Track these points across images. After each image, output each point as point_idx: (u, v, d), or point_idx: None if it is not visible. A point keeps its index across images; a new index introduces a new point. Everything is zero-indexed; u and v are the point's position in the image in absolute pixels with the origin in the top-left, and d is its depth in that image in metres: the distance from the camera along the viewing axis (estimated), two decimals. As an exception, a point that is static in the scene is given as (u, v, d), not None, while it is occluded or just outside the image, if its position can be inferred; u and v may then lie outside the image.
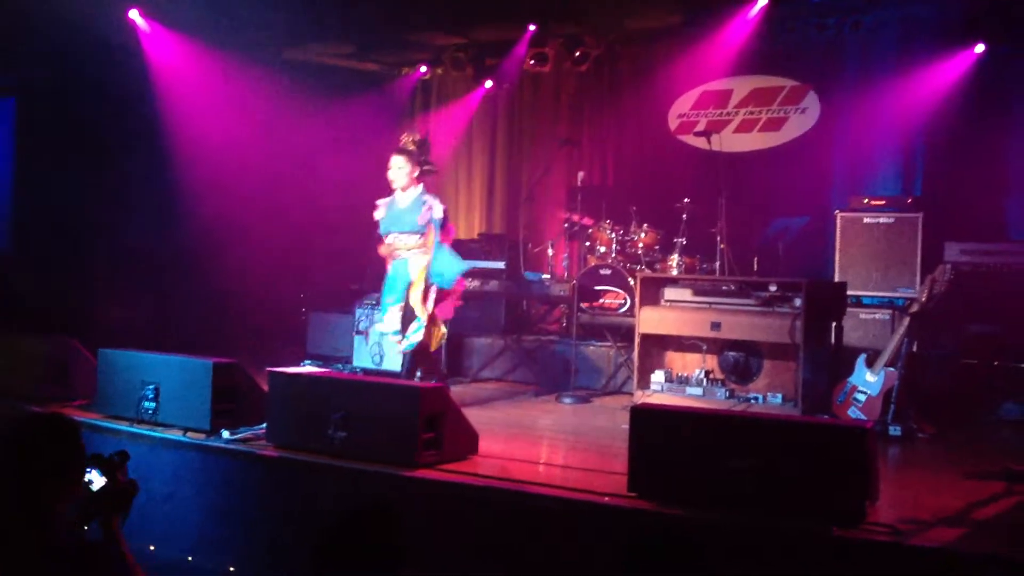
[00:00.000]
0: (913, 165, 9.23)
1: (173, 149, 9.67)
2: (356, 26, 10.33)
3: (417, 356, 7.15)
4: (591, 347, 8.71)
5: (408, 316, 7.08)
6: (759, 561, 4.23)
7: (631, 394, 7.70)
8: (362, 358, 9.04)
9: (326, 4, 9.38)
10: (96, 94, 9.28)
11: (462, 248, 10.01)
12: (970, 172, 8.74)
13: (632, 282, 8.39)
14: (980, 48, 8.80)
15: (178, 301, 9.64)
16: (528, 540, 4.76)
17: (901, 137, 9.27)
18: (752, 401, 7.20)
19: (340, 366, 9.02)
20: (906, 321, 6.72)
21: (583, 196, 9.59)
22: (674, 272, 8.60)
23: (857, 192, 8.98)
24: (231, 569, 5.48)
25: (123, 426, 6.05)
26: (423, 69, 11.88)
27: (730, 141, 9.87)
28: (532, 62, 11.05)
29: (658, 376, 7.58)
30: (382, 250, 7.27)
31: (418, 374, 7.19)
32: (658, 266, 8.94)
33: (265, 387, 5.97)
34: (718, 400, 7.24)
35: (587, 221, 9.48)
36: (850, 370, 6.80)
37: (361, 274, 9.94)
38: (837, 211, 8.54)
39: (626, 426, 4.91)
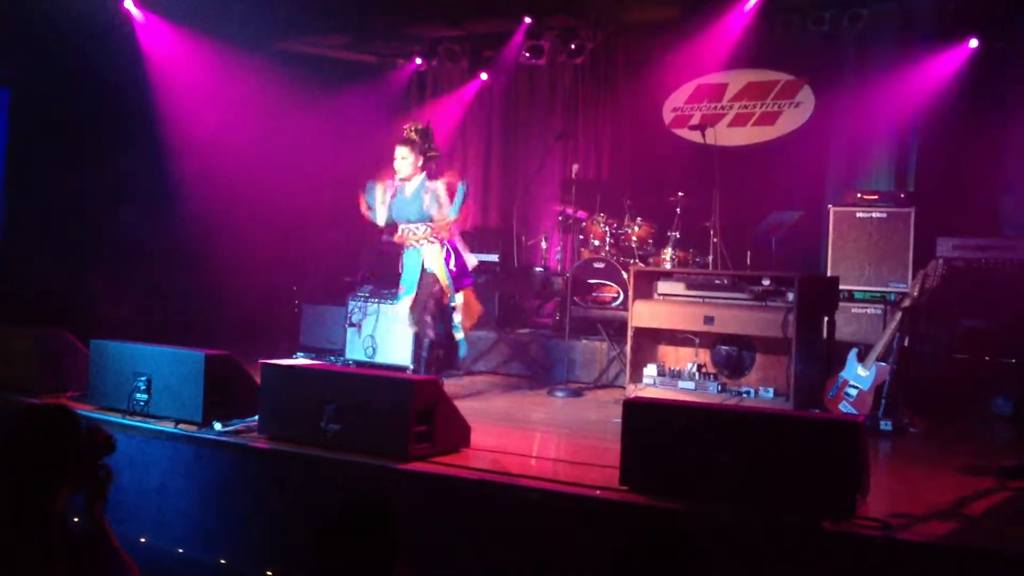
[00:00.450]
0: (906, 160, 9.25)
1: (167, 140, 9.65)
2: (351, 17, 10.31)
3: (434, 348, 7.17)
4: (584, 340, 8.72)
5: (423, 306, 7.08)
6: (750, 555, 4.24)
7: (623, 388, 7.71)
8: (355, 350, 9.05)
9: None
10: (90, 85, 9.25)
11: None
12: (963, 167, 8.76)
13: (625, 276, 8.39)
14: (974, 43, 8.81)
15: (171, 293, 9.62)
16: (520, 533, 4.76)
17: (895, 132, 9.29)
18: (744, 395, 7.21)
19: (333, 358, 9.02)
20: (898, 316, 6.73)
21: (577, 189, 9.59)
22: (667, 266, 8.61)
23: (850, 186, 9.01)
24: (222, 561, 5.48)
25: (115, 418, 6.03)
26: (418, 61, 11.86)
27: (724, 135, 9.87)
28: (527, 55, 11.05)
29: (651, 370, 7.58)
30: (396, 238, 7.29)
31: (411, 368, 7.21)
32: (651, 260, 8.94)
33: (258, 379, 5.96)
34: (710, 394, 7.25)
35: (581, 214, 9.48)
36: (842, 364, 6.82)
37: (354, 267, 9.94)
38: (830, 205, 8.57)
39: (618, 420, 4.91)
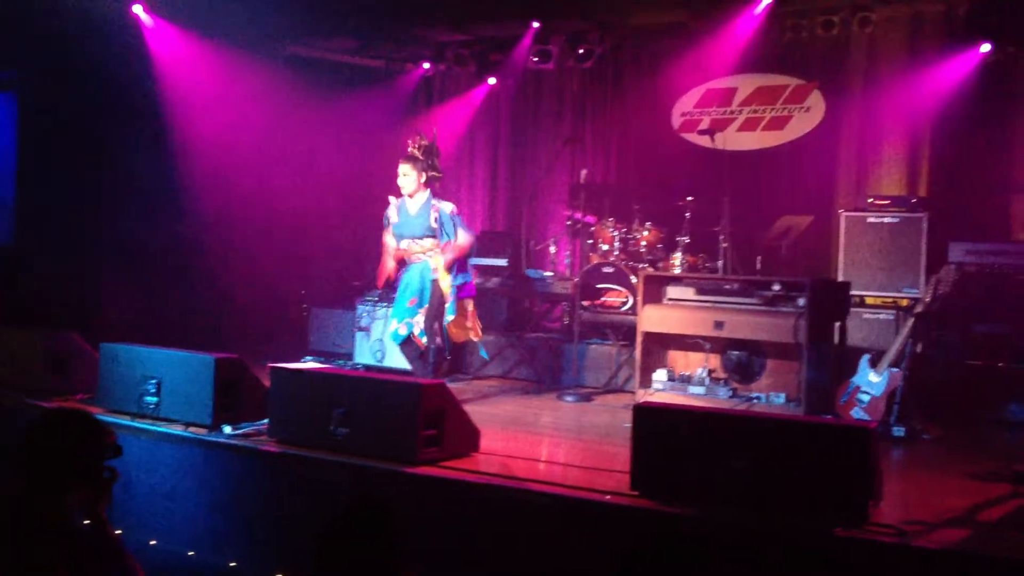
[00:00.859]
0: (918, 164, 9.20)
1: (175, 143, 9.65)
2: (359, 21, 10.31)
3: (440, 353, 7.19)
4: (593, 345, 8.69)
5: (434, 316, 7.11)
6: (761, 561, 4.21)
7: (633, 393, 7.68)
8: (363, 354, 9.03)
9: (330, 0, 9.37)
10: (99, 89, 9.26)
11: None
12: (976, 172, 8.73)
13: (635, 280, 8.37)
14: (986, 47, 8.76)
15: (179, 295, 9.63)
16: (529, 538, 4.74)
17: (906, 136, 9.24)
18: (755, 401, 7.18)
19: (342, 362, 9.01)
20: (910, 321, 6.70)
21: (586, 194, 9.55)
22: (677, 271, 8.59)
23: (861, 191, 8.99)
24: (232, 564, 5.47)
25: (125, 420, 6.02)
26: (426, 65, 11.85)
27: (734, 139, 9.84)
28: (535, 59, 11.02)
29: (660, 375, 7.55)
30: (397, 253, 7.30)
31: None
32: (661, 264, 8.91)
33: (267, 383, 5.96)
34: (721, 399, 7.22)
35: (590, 219, 9.45)
36: (853, 370, 6.77)
37: (363, 270, 9.93)
38: (841, 210, 8.53)
39: (628, 424, 4.89)
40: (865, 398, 6.63)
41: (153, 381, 6.11)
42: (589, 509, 4.65)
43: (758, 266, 8.91)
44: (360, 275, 9.91)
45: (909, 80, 9.05)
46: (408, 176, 7.15)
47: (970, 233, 8.09)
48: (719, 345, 7.48)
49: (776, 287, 7.16)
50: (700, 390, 7.34)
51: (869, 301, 8.13)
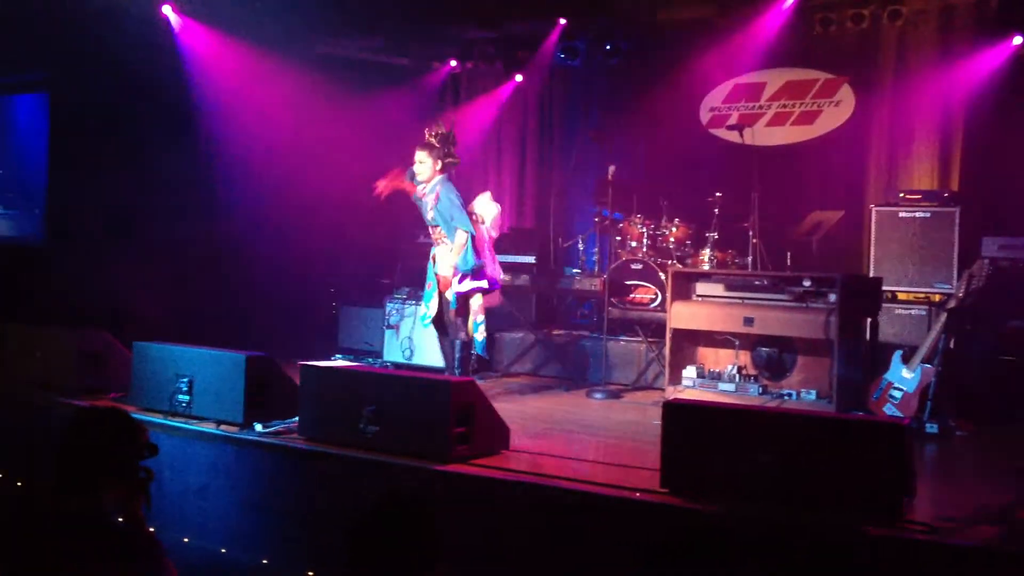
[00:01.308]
0: (950, 158, 9.10)
1: (205, 142, 9.72)
2: (387, 20, 10.33)
3: (466, 348, 7.19)
4: (622, 342, 8.67)
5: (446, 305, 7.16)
6: (793, 559, 4.19)
7: (662, 390, 7.66)
8: (393, 352, 9.06)
9: (358, -1, 9.40)
10: (129, 88, 9.33)
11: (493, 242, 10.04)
12: (1009, 165, 8.61)
13: (663, 277, 8.34)
14: (1018, 40, 8.66)
15: (209, 293, 9.69)
16: (559, 536, 4.74)
17: (937, 130, 9.15)
18: (786, 397, 7.14)
19: (371, 360, 9.04)
20: (943, 317, 6.64)
21: (614, 190, 9.52)
22: (706, 267, 8.55)
23: (892, 186, 8.91)
24: (264, 562, 5.50)
25: (157, 419, 6.07)
26: (453, 63, 11.86)
27: (763, 135, 9.79)
28: (562, 56, 11.01)
29: (690, 372, 7.53)
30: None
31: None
32: (689, 261, 8.88)
33: (297, 380, 5.99)
34: (751, 396, 7.18)
35: (618, 215, 9.44)
36: (886, 366, 6.72)
37: (392, 268, 9.96)
38: (872, 205, 8.46)
39: (658, 422, 4.88)
40: (898, 394, 6.58)
41: (185, 379, 6.17)
42: (619, 507, 4.64)
43: (788, 262, 8.86)
44: (389, 273, 9.94)
45: (940, 73, 8.96)
46: (423, 163, 7.18)
47: (1003, 227, 8.00)
48: (749, 342, 7.44)
49: (807, 283, 7.12)
50: (730, 387, 7.31)
51: (901, 296, 8.06)
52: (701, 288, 7.67)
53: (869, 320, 7.25)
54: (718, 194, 8.88)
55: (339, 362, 8.43)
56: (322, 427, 5.69)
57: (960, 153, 9.06)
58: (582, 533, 4.68)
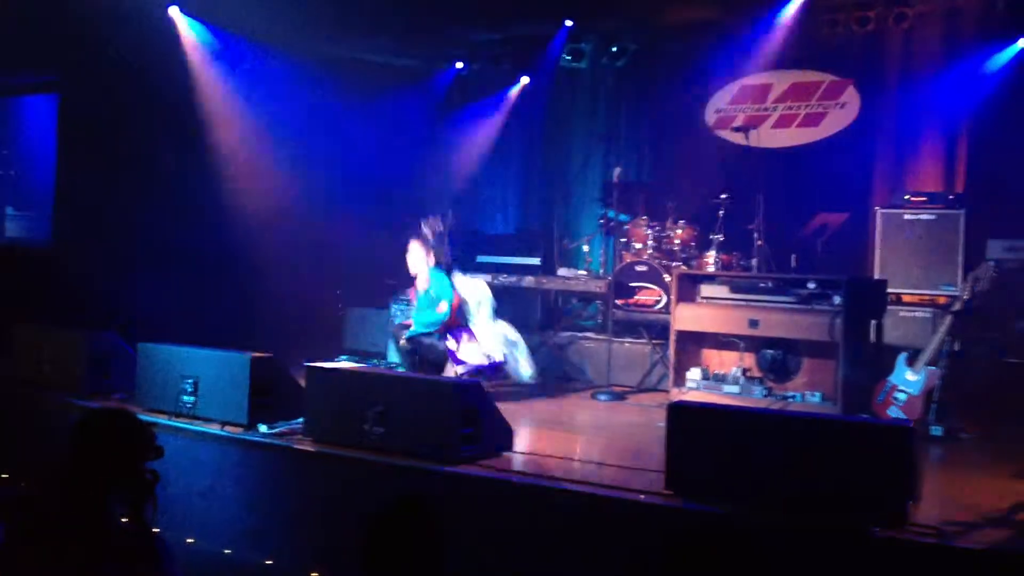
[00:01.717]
0: (955, 160, 9.08)
1: (212, 144, 9.73)
2: (394, 22, 10.34)
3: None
4: (627, 344, 8.68)
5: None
6: (798, 561, 4.19)
7: (667, 391, 7.66)
8: (398, 354, 9.05)
9: (366, 0, 9.39)
10: (137, 90, 9.35)
11: (498, 244, 10.07)
12: (1014, 167, 8.58)
13: (668, 279, 8.34)
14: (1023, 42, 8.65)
15: (214, 295, 9.70)
16: (564, 537, 4.74)
17: (943, 132, 9.13)
18: (790, 399, 7.13)
19: (376, 361, 9.04)
20: (948, 319, 6.63)
21: (619, 192, 9.55)
22: (711, 269, 8.55)
23: (898, 188, 8.88)
24: (269, 562, 5.51)
25: (162, 419, 6.08)
26: (460, 64, 11.87)
27: (768, 136, 9.78)
28: (569, 57, 11.02)
29: (694, 374, 7.53)
30: None
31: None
32: (695, 263, 8.88)
33: (302, 382, 5.99)
34: (755, 398, 7.18)
35: (623, 217, 9.44)
36: (890, 369, 6.71)
37: (397, 269, 9.96)
38: (877, 207, 8.44)
39: (662, 424, 4.88)
40: (902, 397, 6.57)
41: (190, 380, 6.18)
42: (624, 508, 4.64)
43: (793, 264, 8.85)
44: (394, 274, 9.94)
45: (946, 75, 8.94)
46: (415, 254, 7.58)
47: (1009, 230, 7.98)
48: (754, 344, 7.44)
49: (812, 285, 7.12)
50: (735, 389, 7.31)
51: (906, 299, 8.05)
52: (706, 290, 7.67)
53: (874, 322, 7.24)
54: (723, 196, 8.88)
55: (344, 363, 8.43)
56: (327, 428, 5.70)
57: (965, 155, 9.04)
58: (587, 534, 4.69)
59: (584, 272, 9.73)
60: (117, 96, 9.36)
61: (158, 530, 3.15)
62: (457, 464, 5.19)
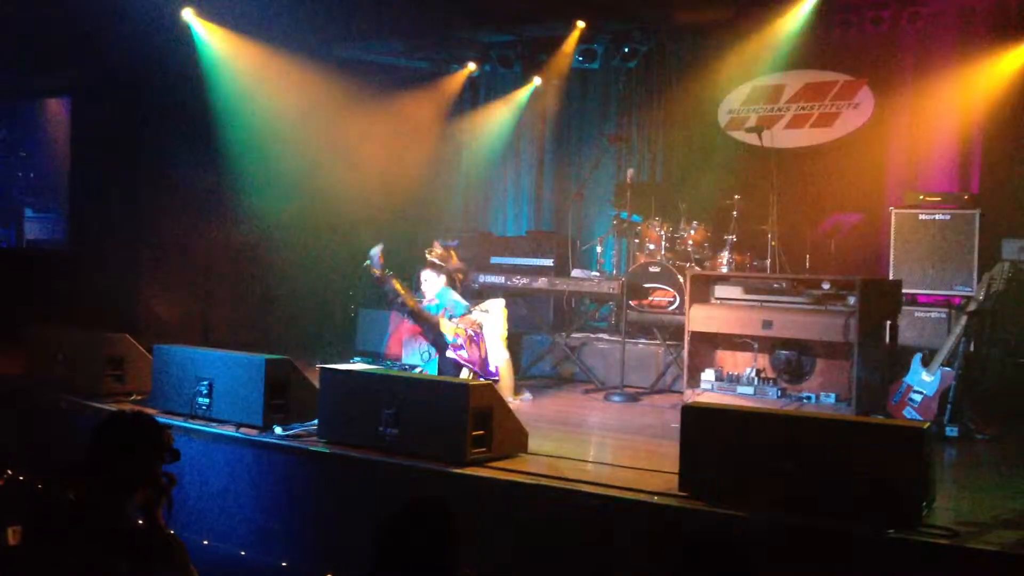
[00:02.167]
0: (970, 160, 9.05)
1: (225, 146, 9.76)
2: (406, 24, 10.37)
3: None
4: (640, 345, 8.67)
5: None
6: (812, 562, 4.18)
7: (681, 393, 7.65)
8: (411, 355, 9.06)
9: (377, 3, 9.42)
10: (149, 92, 9.40)
11: (511, 246, 10.07)
12: (1029, 167, 8.58)
13: (681, 280, 8.33)
14: (1039, 41, 8.62)
15: (228, 297, 9.75)
16: (578, 538, 4.74)
17: (957, 132, 9.10)
18: (805, 401, 7.12)
19: (389, 363, 9.06)
20: (963, 320, 6.61)
21: (632, 193, 9.54)
22: (724, 270, 8.54)
23: (912, 188, 8.85)
24: (283, 564, 5.53)
25: (178, 421, 6.11)
26: (472, 66, 11.89)
27: (781, 137, 9.76)
28: (580, 59, 11.02)
29: (708, 375, 7.51)
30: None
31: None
32: (708, 263, 8.87)
33: (316, 383, 6.01)
34: (770, 399, 7.16)
35: (636, 218, 9.43)
36: (905, 369, 6.70)
37: (410, 271, 9.98)
38: (892, 208, 8.42)
39: (676, 425, 4.88)
40: (917, 398, 6.55)
41: (205, 382, 6.20)
42: (637, 509, 4.64)
43: (807, 264, 8.84)
44: (407, 275, 9.95)
45: (960, 75, 8.91)
46: (428, 281, 7.55)
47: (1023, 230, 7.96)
48: (768, 345, 7.42)
49: (826, 286, 7.10)
50: (749, 390, 7.29)
51: (921, 299, 8.02)
52: (720, 291, 7.65)
53: (889, 323, 7.21)
54: (736, 197, 8.87)
55: (358, 365, 8.45)
56: (341, 430, 5.71)
57: (980, 155, 9.01)
58: (600, 536, 4.69)
59: (597, 273, 9.72)
60: (130, 99, 9.42)
61: (173, 531, 3.17)
62: (469, 466, 5.19)
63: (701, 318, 7.53)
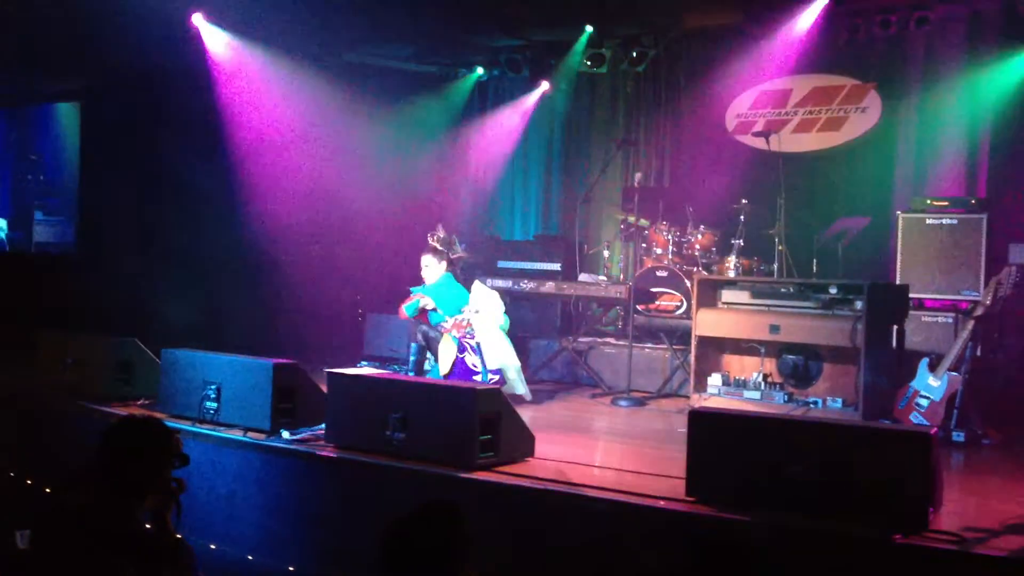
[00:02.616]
0: (977, 165, 9.05)
1: (234, 150, 9.81)
2: (415, 29, 10.40)
3: None
4: (647, 349, 8.67)
5: None
6: (818, 568, 4.18)
7: (687, 397, 7.66)
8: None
9: (386, 7, 9.45)
10: (158, 97, 9.44)
11: (518, 250, 10.08)
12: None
13: (689, 284, 8.34)
14: (1047, 46, 8.62)
15: (237, 301, 9.77)
16: (585, 543, 4.75)
17: (965, 136, 9.10)
18: (811, 405, 7.11)
19: (397, 367, 9.07)
20: (970, 324, 6.60)
21: (639, 197, 9.55)
22: (731, 274, 8.54)
23: (919, 192, 8.85)
24: (290, 569, 5.54)
25: (185, 425, 6.13)
26: (480, 70, 11.92)
27: (789, 141, 9.77)
28: (589, 63, 11.04)
29: (715, 379, 7.51)
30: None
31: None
32: (715, 268, 8.87)
33: (323, 388, 6.03)
34: (776, 404, 7.16)
35: (643, 222, 9.44)
36: (912, 374, 6.69)
37: (418, 275, 9.99)
38: (899, 212, 8.41)
39: (683, 429, 4.88)
40: (924, 403, 6.54)
41: (213, 386, 6.22)
42: (644, 514, 4.64)
43: (814, 269, 8.83)
44: (415, 280, 9.97)
45: (967, 79, 8.91)
46: (429, 267, 7.70)
47: (1031, 234, 7.96)
48: (775, 349, 7.42)
49: (833, 290, 7.09)
50: (755, 395, 7.29)
51: (928, 304, 8.01)
52: (727, 295, 7.65)
53: (896, 328, 7.21)
54: (744, 201, 8.88)
55: (365, 369, 8.47)
56: (349, 434, 5.73)
57: (987, 159, 9.00)
58: (607, 541, 4.69)
59: (604, 277, 9.74)
60: (140, 104, 9.45)
61: (181, 536, 3.19)
62: (476, 470, 5.20)
63: (708, 322, 7.54)
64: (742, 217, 8.82)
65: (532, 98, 11.58)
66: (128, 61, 9.25)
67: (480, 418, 5.27)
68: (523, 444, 5.61)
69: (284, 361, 6.19)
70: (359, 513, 5.38)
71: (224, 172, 9.74)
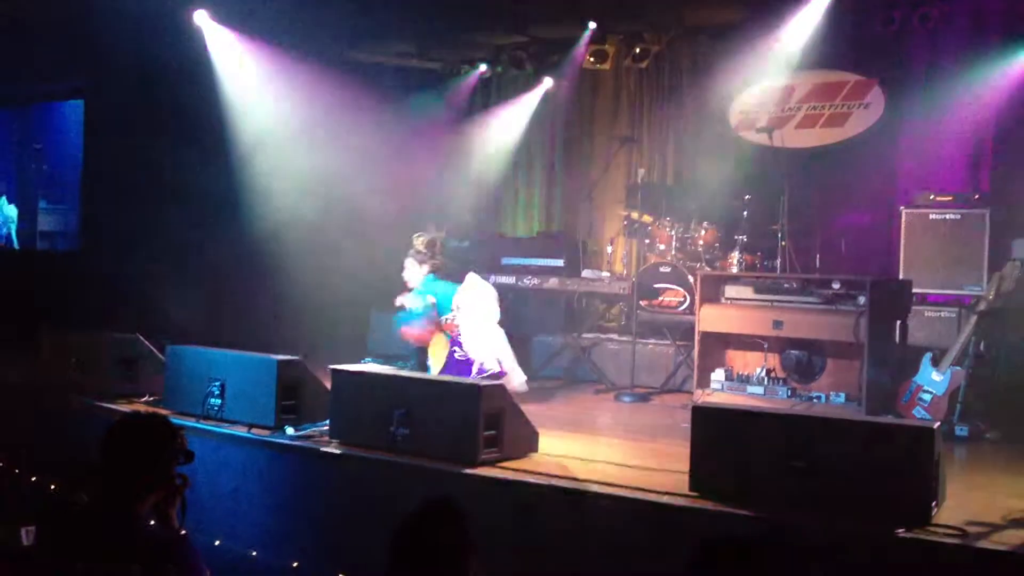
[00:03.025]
0: (980, 160, 9.03)
1: (236, 147, 9.81)
2: (418, 26, 10.40)
3: None
4: (650, 345, 8.68)
5: None
6: (821, 562, 4.19)
7: (691, 393, 7.66)
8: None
9: (388, 4, 9.45)
10: (162, 94, 9.45)
11: (522, 246, 10.08)
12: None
13: (692, 280, 8.33)
14: (1050, 41, 8.60)
15: (241, 298, 9.78)
16: (588, 539, 4.76)
17: (968, 132, 9.07)
18: (815, 400, 7.12)
19: (401, 364, 9.08)
20: (973, 319, 6.60)
21: (643, 193, 9.55)
22: (735, 270, 8.54)
23: (922, 188, 8.83)
24: (295, 564, 5.55)
25: (190, 422, 6.14)
26: (483, 67, 11.91)
27: (792, 137, 9.76)
28: (592, 59, 11.03)
29: (718, 375, 7.52)
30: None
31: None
32: (718, 264, 8.87)
33: (328, 384, 6.04)
34: (780, 399, 7.17)
35: (647, 218, 9.44)
36: (915, 369, 6.69)
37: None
38: (902, 207, 8.41)
39: (686, 425, 4.89)
40: (927, 397, 6.54)
41: (217, 383, 6.23)
42: (648, 510, 4.65)
43: (817, 264, 8.83)
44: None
45: (971, 74, 8.88)
46: (410, 269, 7.70)
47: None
48: (778, 344, 7.43)
49: (836, 285, 7.10)
50: (759, 390, 7.30)
51: (931, 299, 8.01)
52: (730, 291, 7.66)
53: (899, 323, 7.22)
54: (747, 197, 8.87)
55: (369, 366, 8.47)
56: (352, 430, 5.74)
57: (990, 154, 8.98)
58: (610, 536, 4.70)
59: (608, 273, 9.74)
60: (142, 102, 9.47)
61: (185, 532, 3.20)
62: (479, 466, 5.21)
63: (711, 318, 7.54)
64: (745, 213, 8.82)
65: (535, 95, 11.56)
66: (131, 58, 9.26)
67: (484, 414, 5.29)
68: (527, 440, 5.63)
69: (288, 357, 6.21)
70: (363, 509, 5.39)
71: (227, 168, 9.75)
